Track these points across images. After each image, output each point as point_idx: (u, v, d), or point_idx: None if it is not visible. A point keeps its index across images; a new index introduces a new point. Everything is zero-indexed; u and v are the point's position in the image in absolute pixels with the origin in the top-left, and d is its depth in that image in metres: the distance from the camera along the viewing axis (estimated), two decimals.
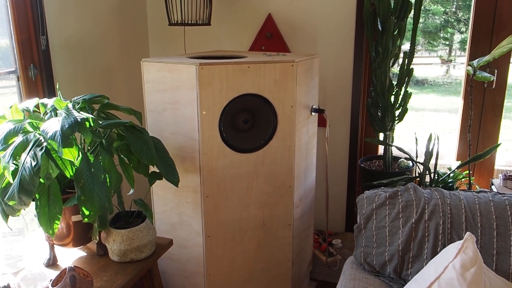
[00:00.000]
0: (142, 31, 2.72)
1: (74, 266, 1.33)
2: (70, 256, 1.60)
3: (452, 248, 1.30)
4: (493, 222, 1.48)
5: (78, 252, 1.63)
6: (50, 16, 1.96)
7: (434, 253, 1.50)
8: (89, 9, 2.23)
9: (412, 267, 1.52)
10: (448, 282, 1.25)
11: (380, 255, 1.56)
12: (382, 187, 1.71)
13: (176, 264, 2.00)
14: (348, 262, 1.69)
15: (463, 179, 2.25)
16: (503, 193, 1.58)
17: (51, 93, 1.94)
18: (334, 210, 2.70)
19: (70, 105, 1.38)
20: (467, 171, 2.21)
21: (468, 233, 1.29)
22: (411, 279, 1.52)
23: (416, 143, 2.14)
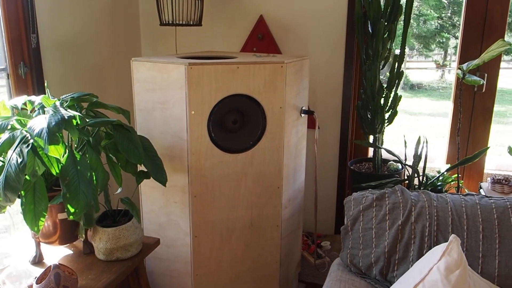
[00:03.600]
0: (134, 30, 2.73)
1: (59, 264, 1.33)
2: (56, 253, 1.59)
3: (437, 250, 1.31)
4: (479, 225, 1.49)
5: (64, 250, 1.63)
6: (41, 14, 1.96)
7: (420, 255, 1.50)
8: (81, 7, 2.23)
9: (398, 269, 1.52)
10: (432, 284, 1.25)
11: (366, 257, 1.57)
12: (369, 189, 1.72)
13: (163, 263, 2.00)
14: (334, 264, 1.70)
15: (452, 182, 2.26)
16: (490, 196, 1.60)
17: (41, 91, 1.94)
18: (324, 212, 2.71)
19: (57, 103, 1.38)
20: (456, 174, 2.23)
21: (453, 235, 1.30)
22: (396, 281, 1.52)
23: (405, 146, 2.15)
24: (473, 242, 1.49)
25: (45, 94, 2.00)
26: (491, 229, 1.49)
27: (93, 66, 2.37)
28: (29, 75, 1.89)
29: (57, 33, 2.07)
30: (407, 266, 1.52)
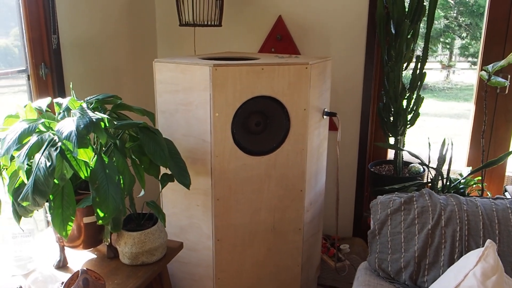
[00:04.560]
0: (150, 31, 2.71)
1: (87, 269, 1.31)
2: (80, 258, 1.57)
3: (472, 256, 1.28)
4: (511, 230, 1.46)
5: (88, 254, 1.61)
6: (62, 15, 1.94)
7: (451, 260, 1.47)
8: (100, 8, 2.21)
9: (428, 274, 1.49)
10: None
11: (396, 262, 1.54)
12: (396, 193, 1.69)
13: (185, 267, 1.98)
14: (361, 268, 1.67)
15: (474, 185, 2.23)
16: None
17: (61, 92, 1.92)
18: (342, 214, 2.68)
19: (84, 105, 1.36)
20: (479, 177, 2.19)
21: (489, 240, 1.27)
22: (427, 286, 1.49)
23: (429, 148, 2.12)
24: (505, 247, 1.46)
25: (65, 95, 1.99)
26: None
27: (111, 67, 2.35)
28: (50, 76, 1.87)
29: (76, 34, 2.06)
30: (437, 271, 1.49)
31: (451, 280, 1.27)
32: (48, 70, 1.85)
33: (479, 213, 1.51)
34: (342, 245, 2.55)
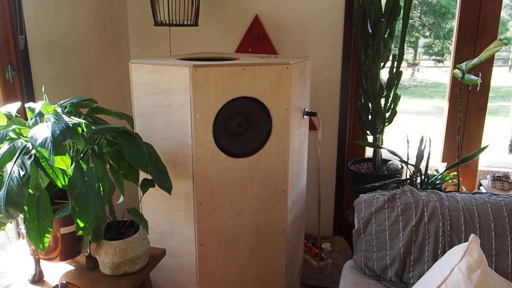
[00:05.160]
0: (122, 31, 2.62)
1: (66, 282, 1.24)
2: (58, 270, 1.49)
3: (457, 251, 1.30)
4: (491, 223, 1.49)
5: (65, 266, 1.53)
6: (29, 14, 1.84)
7: (435, 255, 1.49)
8: (69, 7, 2.12)
9: (413, 270, 1.51)
10: (455, 284, 1.24)
11: (381, 259, 1.55)
12: (378, 191, 1.70)
13: (167, 274, 1.92)
14: (347, 267, 1.67)
15: (449, 181, 2.28)
16: (498, 194, 1.60)
17: (30, 96, 1.82)
18: (322, 213, 2.69)
19: (59, 109, 1.29)
20: (454, 173, 2.24)
21: (472, 235, 1.29)
22: (412, 282, 1.51)
23: (408, 145, 2.15)
24: (486, 240, 1.49)
25: (35, 99, 1.89)
26: (502, 227, 1.50)
27: (82, 69, 2.26)
28: (17, 79, 1.77)
29: (45, 34, 1.96)
30: (422, 266, 1.51)
31: (437, 275, 1.29)
32: (15, 72, 1.75)
33: (460, 208, 1.54)
34: (324, 244, 2.56)
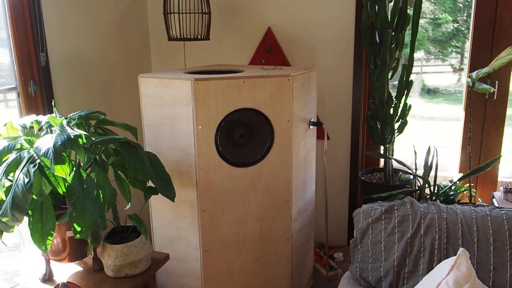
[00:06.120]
0: (144, 46, 2.76)
1: (67, 282, 1.34)
2: (66, 271, 1.61)
3: (446, 264, 1.28)
4: (490, 237, 1.46)
5: (74, 267, 1.64)
6: (50, 32, 2.00)
7: (430, 268, 1.47)
8: (89, 25, 2.27)
9: (407, 283, 1.49)
10: None
11: (376, 271, 1.54)
12: (379, 201, 1.69)
13: (174, 278, 2.00)
14: (344, 277, 1.67)
15: (465, 192, 2.22)
16: (501, 207, 1.56)
17: (51, 109, 1.98)
18: (336, 223, 2.68)
19: (64, 122, 1.40)
20: (470, 184, 2.18)
21: (461, 249, 1.27)
22: None
23: (415, 156, 2.12)
24: (484, 255, 1.45)
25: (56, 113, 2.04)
26: (502, 241, 1.45)
27: (102, 83, 2.40)
28: (39, 94, 1.93)
29: (65, 50, 2.11)
30: (417, 279, 1.49)
31: None
32: (37, 87, 1.91)
33: (458, 221, 1.51)
34: (336, 253, 2.55)
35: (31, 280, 1.53)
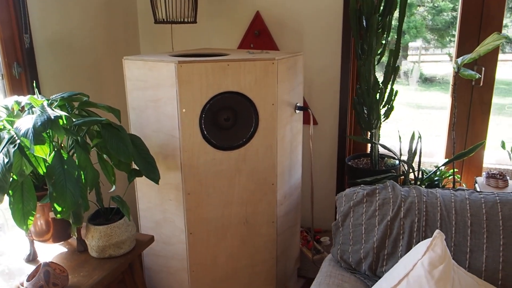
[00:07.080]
0: (132, 28, 2.74)
1: (50, 262, 1.36)
2: (51, 252, 1.62)
3: (422, 246, 1.30)
4: (468, 220, 1.48)
5: (59, 248, 1.66)
6: (34, 13, 1.98)
7: (408, 250, 1.50)
8: (75, 6, 2.24)
9: (386, 264, 1.52)
10: (416, 279, 1.25)
11: (356, 252, 1.57)
12: (361, 185, 1.71)
13: (161, 260, 2.02)
14: (326, 259, 1.70)
15: (449, 177, 2.24)
16: (481, 191, 1.58)
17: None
18: (323, 207, 2.71)
19: (45, 103, 1.40)
20: (456, 169, 2.20)
21: (437, 230, 1.29)
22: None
23: (400, 141, 2.14)
24: (461, 237, 1.48)
25: (41, 94, 2.03)
26: (479, 224, 1.47)
27: (89, 66, 2.39)
28: (23, 75, 1.92)
29: (50, 32, 2.09)
30: (395, 261, 1.51)
31: (401, 269, 1.30)
32: (21, 69, 1.89)
33: (437, 204, 1.53)
34: (323, 237, 2.58)
35: (15, 260, 1.55)
